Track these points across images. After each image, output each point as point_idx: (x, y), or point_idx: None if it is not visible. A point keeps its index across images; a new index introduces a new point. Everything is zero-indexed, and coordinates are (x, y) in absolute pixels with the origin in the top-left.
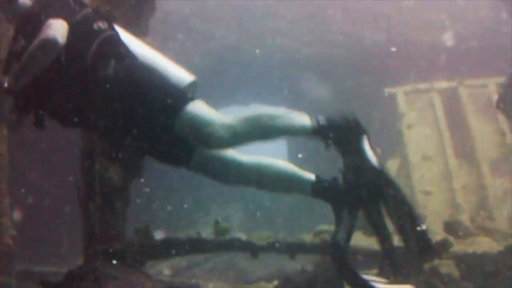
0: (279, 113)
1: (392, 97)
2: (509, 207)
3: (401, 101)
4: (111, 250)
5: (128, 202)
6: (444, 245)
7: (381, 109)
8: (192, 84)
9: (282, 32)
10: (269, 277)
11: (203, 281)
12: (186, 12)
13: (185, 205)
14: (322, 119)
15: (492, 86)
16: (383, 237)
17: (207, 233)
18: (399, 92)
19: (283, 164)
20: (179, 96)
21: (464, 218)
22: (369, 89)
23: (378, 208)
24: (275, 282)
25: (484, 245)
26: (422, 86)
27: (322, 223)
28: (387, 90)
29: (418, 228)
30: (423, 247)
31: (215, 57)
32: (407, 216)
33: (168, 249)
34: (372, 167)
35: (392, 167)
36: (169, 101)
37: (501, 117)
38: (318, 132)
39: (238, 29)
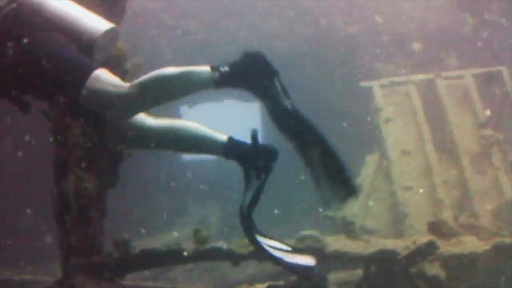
0: (178, 71)
1: (368, 91)
2: (492, 202)
3: (378, 95)
4: (89, 264)
5: (105, 212)
6: (429, 248)
7: (357, 104)
8: (109, 33)
9: (255, 27)
10: (250, 279)
11: (182, 284)
12: (157, 8)
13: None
14: (224, 68)
15: (469, 78)
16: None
17: (184, 233)
18: (375, 86)
19: (196, 125)
20: (79, 73)
21: (447, 214)
22: (344, 83)
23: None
24: (257, 286)
25: (470, 244)
26: (398, 79)
27: (302, 226)
28: (363, 84)
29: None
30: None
31: (187, 54)
32: (331, 160)
33: (147, 261)
34: (286, 110)
35: (371, 162)
36: (70, 78)
37: (479, 108)
38: (222, 82)
39: (209, 25)
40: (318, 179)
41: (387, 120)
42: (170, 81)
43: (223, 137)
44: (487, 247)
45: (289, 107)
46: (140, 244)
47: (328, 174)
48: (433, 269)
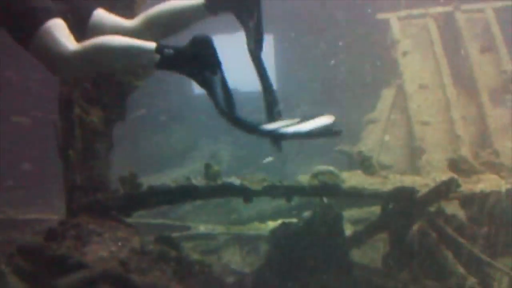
0: (122, 45)
1: (385, 23)
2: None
3: (395, 27)
4: (94, 202)
5: (111, 147)
6: (450, 186)
7: (375, 36)
8: None
9: None
10: (262, 216)
11: (192, 222)
12: None
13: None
14: (168, 50)
15: (489, 11)
16: None
17: (195, 168)
18: (393, 18)
19: (170, 3)
20: (31, 20)
21: (465, 150)
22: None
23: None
24: (269, 223)
25: (491, 183)
26: (416, 11)
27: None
28: (380, 16)
29: None
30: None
31: None
32: None
33: (156, 198)
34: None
35: (388, 96)
36: (21, 24)
37: (500, 43)
38: (162, 66)
39: None
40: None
41: (405, 53)
42: (112, 52)
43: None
44: (509, 185)
45: (224, 109)
46: (149, 180)
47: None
48: (452, 208)
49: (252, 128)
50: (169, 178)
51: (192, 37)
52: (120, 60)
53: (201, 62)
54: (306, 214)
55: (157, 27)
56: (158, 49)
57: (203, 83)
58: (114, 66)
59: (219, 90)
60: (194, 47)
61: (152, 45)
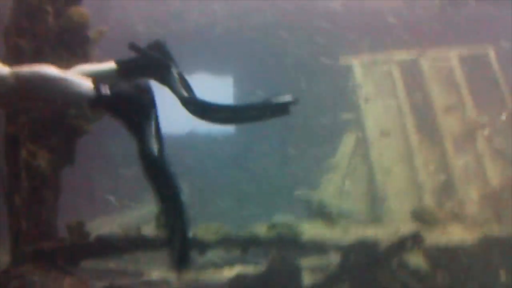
0: (58, 76)
1: (348, 68)
2: (476, 188)
3: (358, 73)
4: (40, 251)
5: (59, 192)
6: (414, 239)
7: (336, 81)
8: None
9: None
10: (218, 261)
11: (145, 268)
12: None
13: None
14: (105, 92)
15: (454, 59)
16: None
17: (151, 210)
18: (356, 63)
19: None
20: None
21: (427, 198)
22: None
23: None
24: (224, 271)
25: (456, 235)
26: (380, 57)
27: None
28: (343, 61)
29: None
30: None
31: (159, 25)
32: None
33: (104, 248)
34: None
35: (349, 142)
36: None
37: (464, 91)
38: (95, 106)
39: None
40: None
41: (367, 99)
42: (46, 82)
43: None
44: (474, 238)
45: (153, 153)
46: (100, 223)
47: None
48: (416, 260)
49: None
50: (126, 219)
51: (134, 86)
52: (54, 91)
53: (138, 106)
54: (263, 264)
55: None
56: (96, 89)
57: (135, 127)
58: (46, 96)
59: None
60: (133, 91)
61: (89, 83)
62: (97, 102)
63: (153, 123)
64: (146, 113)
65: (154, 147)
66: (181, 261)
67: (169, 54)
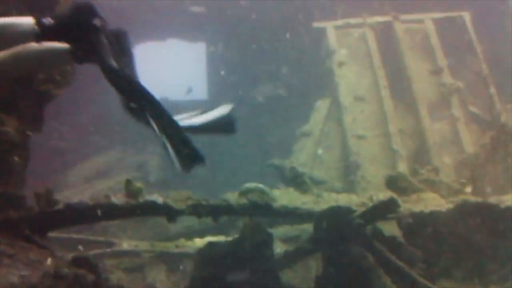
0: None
1: (322, 32)
2: (450, 155)
3: (331, 37)
4: (6, 220)
5: (27, 160)
6: (389, 206)
7: (310, 45)
8: None
9: None
10: (189, 231)
11: (116, 238)
12: None
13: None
14: (48, 20)
15: (429, 22)
16: None
17: (122, 179)
18: (329, 27)
19: None
20: None
21: (402, 165)
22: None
23: None
24: (196, 240)
25: (432, 202)
26: (353, 20)
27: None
28: (316, 25)
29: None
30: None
31: None
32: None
33: (73, 217)
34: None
35: (322, 108)
36: None
37: (439, 55)
38: (43, 36)
39: None
40: (163, 144)
41: (340, 64)
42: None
43: None
44: (450, 205)
45: (116, 67)
46: (72, 193)
47: (170, 142)
48: (390, 228)
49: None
50: (93, 190)
51: (72, 4)
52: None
53: (82, 27)
54: (235, 233)
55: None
56: (37, 21)
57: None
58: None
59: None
60: (74, 13)
61: (29, 18)
62: (43, 34)
63: (102, 38)
64: (92, 31)
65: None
66: (191, 158)
67: (97, 18)
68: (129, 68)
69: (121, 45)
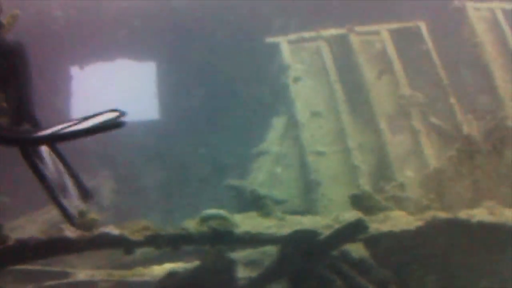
0: None
1: (275, 47)
2: (413, 168)
3: (285, 52)
4: None
5: None
6: (357, 227)
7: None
8: None
9: None
10: (146, 260)
11: (72, 268)
12: None
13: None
14: None
15: (385, 33)
16: None
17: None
18: (283, 42)
19: None
20: None
21: (363, 181)
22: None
23: None
24: (154, 268)
25: (400, 220)
26: (307, 34)
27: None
28: (269, 40)
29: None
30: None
31: (77, 10)
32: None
33: (26, 253)
34: None
35: (278, 126)
36: None
37: (397, 66)
38: None
39: None
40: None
41: (296, 79)
42: None
43: None
44: (419, 223)
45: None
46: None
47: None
48: (358, 250)
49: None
50: (47, 217)
51: None
52: None
53: None
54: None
55: None
56: None
57: None
58: None
59: None
60: None
61: None
62: None
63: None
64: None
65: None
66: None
67: None
68: (21, 92)
69: (14, 63)
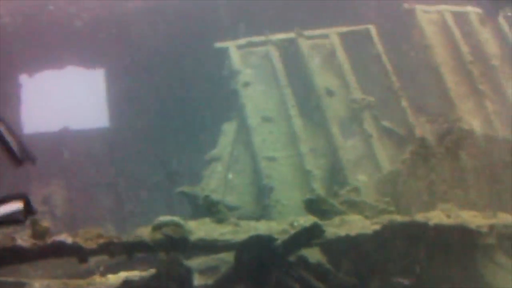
0: None
1: (224, 52)
2: (366, 172)
3: (235, 56)
4: None
5: None
6: (313, 232)
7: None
8: None
9: None
10: (101, 269)
11: (27, 277)
12: None
13: None
14: None
15: (334, 37)
16: None
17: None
18: (232, 46)
19: None
20: None
21: (317, 186)
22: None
23: None
24: (109, 276)
25: (357, 224)
26: (256, 39)
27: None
28: (218, 45)
29: None
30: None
31: (25, 16)
32: None
33: None
34: None
35: (229, 131)
36: None
37: (347, 70)
38: None
39: None
40: None
41: (246, 84)
42: None
43: None
44: (376, 226)
45: None
46: None
47: None
48: (314, 255)
49: None
50: None
51: None
52: None
53: None
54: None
55: None
56: None
57: None
58: None
59: None
60: None
61: None
62: None
63: None
64: None
65: None
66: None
67: None
68: None
69: None
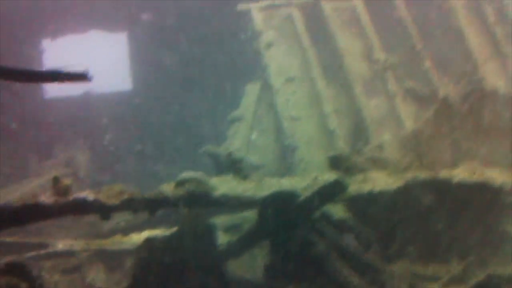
0: None
1: (246, 14)
2: (389, 132)
3: (257, 18)
4: None
5: None
6: (336, 187)
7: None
8: None
9: None
10: (124, 227)
11: (50, 238)
12: None
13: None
14: None
15: None
16: None
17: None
18: (254, 9)
19: None
20: None
21: (340, 145)
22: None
23: None
24: (133, 235)
25: (379, 181)
26: (278, 1)
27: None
28: (240, 7)
29: None
30: None
31: None
32: None
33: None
34: None
35: (252, 92)
36: None
37: (370, 32)
38: None
39: None
40: None
41: (269, 45)
42: None
43: None
44: (399, 183)
45: None
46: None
47: None
48: (338, 211)
49: None
50: (24, 190)
51: None
52: None
53: None
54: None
55: None
56: None
57: None
58: None
59: None
60: None
61: None
62: None
63: None
64: None
65: None
66: None
67: None
68: None
69: None
